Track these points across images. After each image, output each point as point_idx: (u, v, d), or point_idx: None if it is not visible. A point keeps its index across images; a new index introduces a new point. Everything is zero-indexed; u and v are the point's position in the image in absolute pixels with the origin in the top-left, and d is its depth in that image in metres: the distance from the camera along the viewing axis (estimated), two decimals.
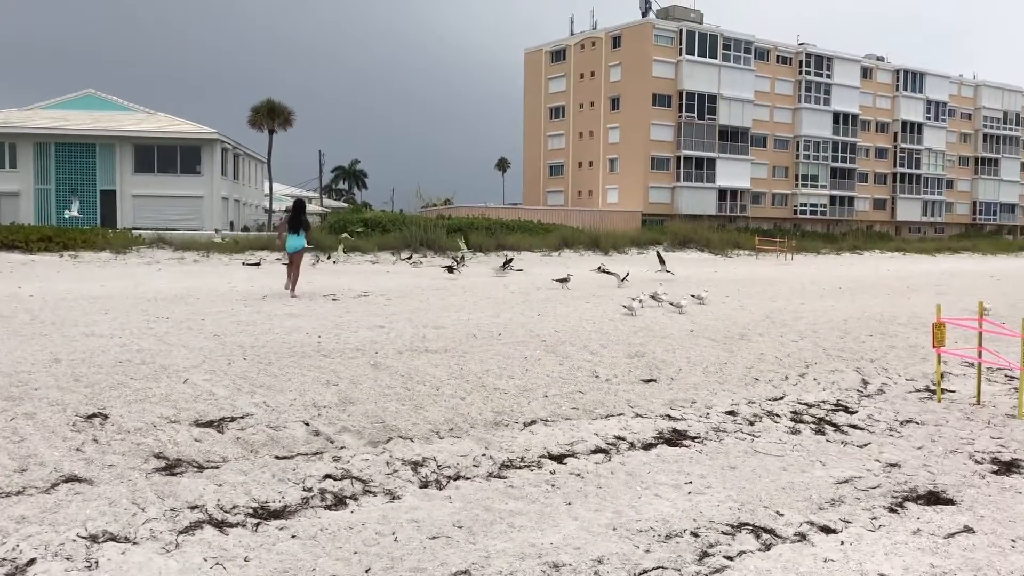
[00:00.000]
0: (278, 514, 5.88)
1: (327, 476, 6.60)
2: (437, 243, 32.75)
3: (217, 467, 6.71)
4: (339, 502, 6.15)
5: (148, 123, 49.60)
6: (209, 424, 7.56)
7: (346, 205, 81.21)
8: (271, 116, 53.34)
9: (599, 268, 25.98)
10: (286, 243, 16.95)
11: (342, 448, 7.30)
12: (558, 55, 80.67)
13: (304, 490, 6.31)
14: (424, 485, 6.59)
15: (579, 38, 78.43)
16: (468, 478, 6.77)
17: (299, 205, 17.72)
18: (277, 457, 7.01)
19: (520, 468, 7.06)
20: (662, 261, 27.15)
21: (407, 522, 5.78)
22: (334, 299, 15.78)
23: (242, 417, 7.78)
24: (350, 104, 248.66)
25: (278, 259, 28.93)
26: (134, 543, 5.23)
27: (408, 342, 10.91)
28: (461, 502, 6.22)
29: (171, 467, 6.64)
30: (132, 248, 29.44)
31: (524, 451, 7.45)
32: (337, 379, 9.00)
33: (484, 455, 7.29)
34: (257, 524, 5.66)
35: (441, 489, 6.52)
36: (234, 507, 5.92)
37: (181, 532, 5.43)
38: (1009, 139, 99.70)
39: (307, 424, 7.73)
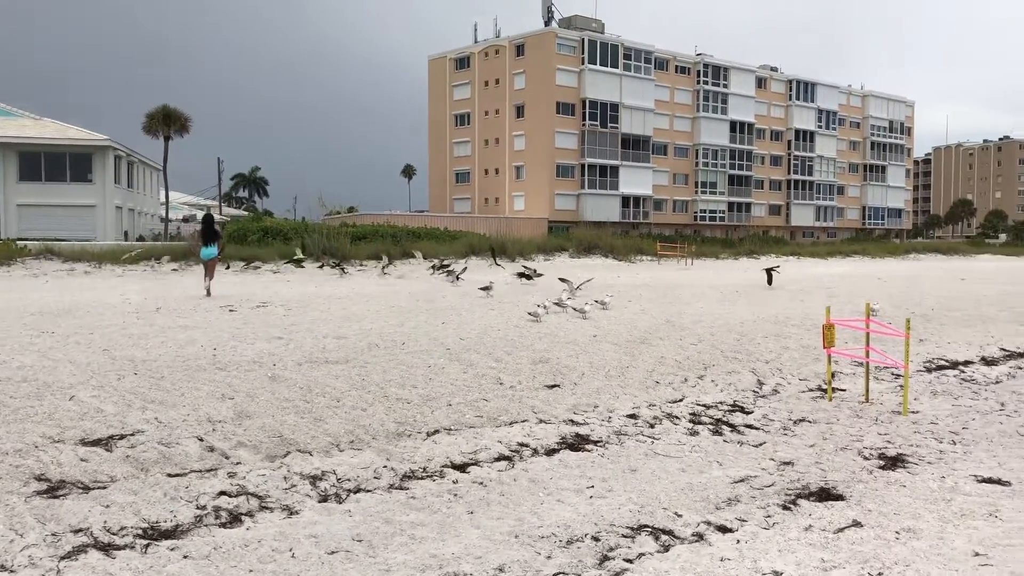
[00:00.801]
0: (169, 534, 5.65)
1: (222, 493, 6.39)
2: (340, 251, 32.26)
3: (104, 487, 6.42)
4: (234, 519, 5.96)
5: (34, 129, 47.41)
6: (96, 443, 7.24)
7: (246, 213, 79.38)
8: (167, 122, 51.70)
9: (520, 274, 26.01)
10: (200, 253, 19.07)
11: (238, 464, 7.09)
12: (462, 62, 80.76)
13: (197, 508, 6.10)
14: (323, 499, 6.45)
15: (483, 46, 78.70)
16: (369, 490, 6.66)
17: (208, 218, 20.18)
18: (169, 475, 6.75)
19: (422, 478, 6.99)
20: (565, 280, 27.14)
21: (305, 538, 5.64)
22: (231, 310, 15.36)
23: (132, 434, 7.47)
24: (250, 110, 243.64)
25: (175, 268, 28.04)
26: (11, 572, 4.95)
27: (308, 353, 10.69)
28: (361, 515, 6.11)
29: (54, 489, 6.32)
30: (16, 260, 28.07)
31: (427, 461, 7.38)
32: (233, 393, 8.75)
33: (386, 466, 7.18)
34: (147, 545, 5.43)
35: (341, 503, 6.39)
36: (122, 529, 5.67)
37: (63, 558, 5.16)
38: (895, 147, 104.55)
39: (201, 440, 7.48)
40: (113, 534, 5.58)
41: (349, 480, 6.85)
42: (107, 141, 46.94)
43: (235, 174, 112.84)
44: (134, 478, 6.64)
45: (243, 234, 36.57)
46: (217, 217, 38.50)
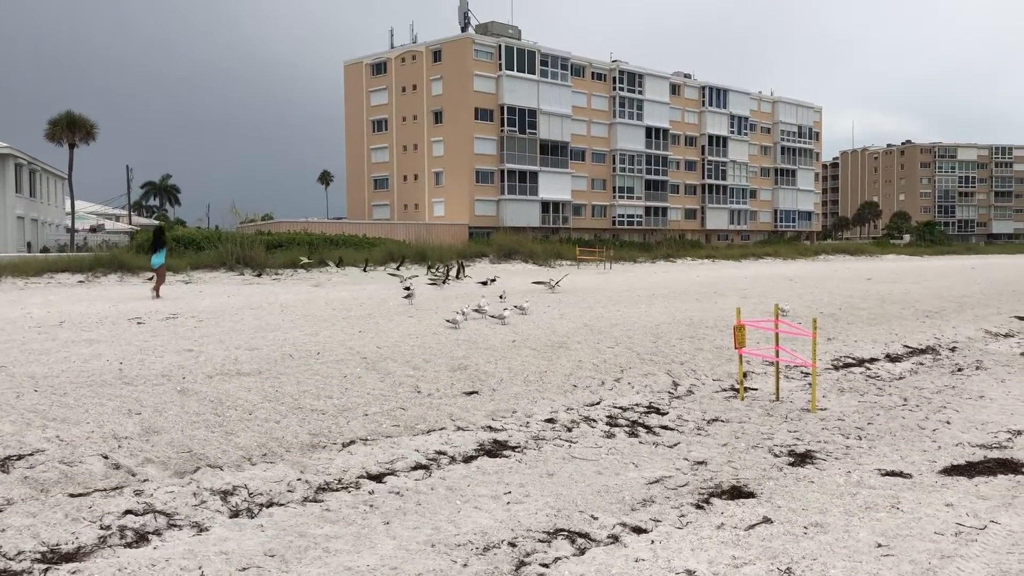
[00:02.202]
0: (71, 557, 5.43)
1: (127, 512, 6.18)
2: (255, 260, 31.61)
3: (1, 510, 6.13)
4: (141, 539, 5.77)
5: None
6: None
7: (157, 222, 77.23)
8: (71, 129, 50.00)
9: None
10: (151, 260, 21.91)
11: (145, 481, 6.86)
12: (379, 68, 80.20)
13: (101, 528, 5.88)
14: (234, 514, 6.29)
15: (400, 51, 78.31)
16: (282, 504, 6.53)
17: (158, 230, 23.59)
18: (71, 495, 6.49)
19: (337, 490, 6.88)
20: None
21: (215, 555, 5.49)
22: (139, 322, 14.89)
23: (31, 454, 7.16)
24: (161, 117, 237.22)
25: (81, 280, 27.08)
26: None
27: (219, 365, 10.42)
28: (274, 530, 5.98)
29: None
30: None
31: (342, 472, 7.27)
32: (140, 408, 8.47)
33: (299, 479, 7.05)
34: (46, 570, 5.21)
35: (253, 517, 6.24)
36: (19, 553, 5.42)
37: None
38: (804, 151, 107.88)
39: (106, 457, 7.22)
40: (10, 559, 5.33)
41: (261, 494, 6.70)
42: (7, 148, 45.11)
43: (145, 182, 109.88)
44: (33, 500, 6.36)
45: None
46: (125, 227, 37.45)
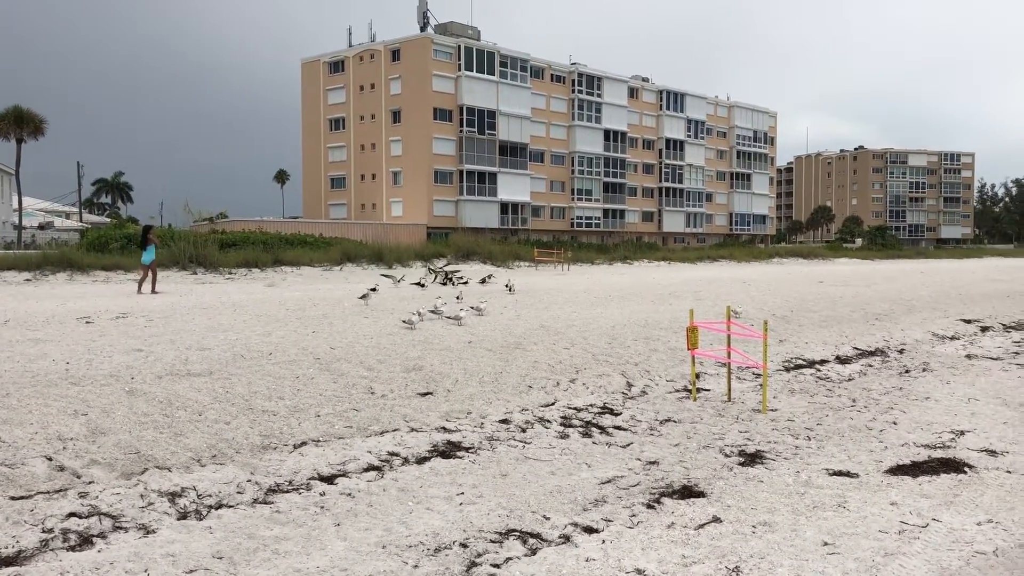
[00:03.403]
0: (11, 561, 5.31)
1: (71, 514, 6.06)
2: (209, 259, 31.18)
3: None
4: (85, 542, 5.66)
5: None
6: None
7: (109, 220, 75.79)
8: (19, 124, 48.91)
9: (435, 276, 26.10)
10: (142, 257, 23.12)
11: (90, 483, 6.73)
12: (336, 66, 79.62)
13: (44, 531, 5.76)
14: (182, 516, 6.21)
15: (358, 50, 77.82)
16: (231, 506, 6.45)
17: (147, 228, 25.17)
18: (13, 498, 6.35)
19: (288, 492, 6.82)
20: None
21: (161, 557, 5.41)
22: (88, 321, 14.60)
23: None
24: (112, 113, 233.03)
25: (28, 279, 26.50)
26: None
27: (169, 366, 10.26)
28: (223, 532, 5.91)
29: None
30: None
31: (293, 474, 7.20)
32: (87, 408, 8.30)
33: (249, 481, 6.97)
34: None
35: (201, 519, 6.16)
36: None
37: None
38: (759, 156, 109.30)
39: (50, 459, 7.06)
40: None
41: (210, 496, 6.62)
42: None
43: (97, 179, 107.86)
44: None
45: (104, 242, 34.88)
46: (75, 225, 36.85)
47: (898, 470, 7.58)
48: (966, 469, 7.61)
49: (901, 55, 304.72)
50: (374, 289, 20.84)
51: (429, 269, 31.77)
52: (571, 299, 21.66)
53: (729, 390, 10.85)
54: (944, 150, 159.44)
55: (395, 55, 74.95)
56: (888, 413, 10.11)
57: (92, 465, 7.06)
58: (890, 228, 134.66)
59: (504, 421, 9.26)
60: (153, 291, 22.43)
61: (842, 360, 14.36)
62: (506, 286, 24.77)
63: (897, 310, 21.57)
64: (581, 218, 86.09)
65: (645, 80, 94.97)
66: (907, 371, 13.37)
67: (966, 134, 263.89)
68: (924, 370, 13.46)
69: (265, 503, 6.55)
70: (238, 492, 6.73)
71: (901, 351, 15.60)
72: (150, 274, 22.92)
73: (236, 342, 12.19)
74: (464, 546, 5.69)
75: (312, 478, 7.16)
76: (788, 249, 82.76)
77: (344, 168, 79.10)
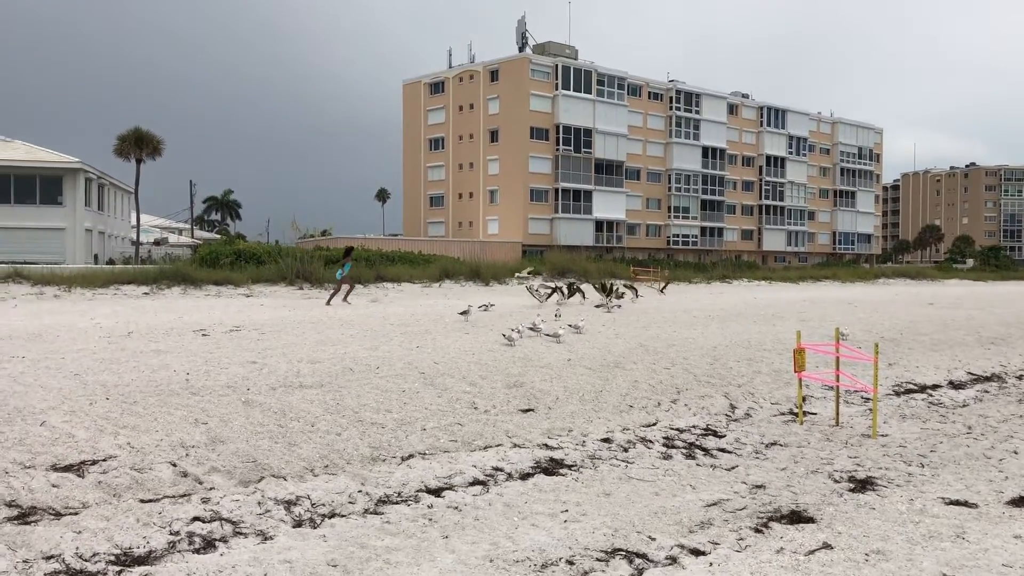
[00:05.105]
0: (142, 560, 5.62)
1: (195, 518, 6.37)
2: (314, 275, 32.13)
3: (76, 513, 6.37)
4: (208, 545, 5.94)
5: (3, 151, 46.95)
6: (68, 468, 7.17)
7: (218, 236, 78.91)
8: (139, 145, 51.36)
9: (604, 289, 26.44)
10: (336, 273, 25.96)
11: (211, 489, 7.06)
12: (436, 87, 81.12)
13: (171, 534, 6.07)
14: (298, 524, 6.44)
15: (457, 71, 79.14)
16: (343, 515, 6.66)
17: (348, 249, 28.13)
18: (142, 500, 6.71)
19: (397, 503, 6.99)
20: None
21: (279, 563, 5.63)
22: (204, 334, 15.26)
23: (104, 460, 7.42)
24: (224, 133, 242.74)
25: (146, 292, 27.81)
26: None
27: (282, 377, 10.65)
28: (336, 540, 6.10)
29: (25, 515, 6.26)
30: None
31: (401, 486, 7.38)
32: (206, 417, 8.70)
33: (360, 491, 7.18)
34: (120, 572, 5.41)
35: (315, 528, 6.38)
36: (94, 555, 5.63)
37: None
38: (864, 173, 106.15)
39: (174, 465, 7.44)
40: (85, 560, 5.54)
41: (323, 505, 6.84)
42: (78, 163, 46.61)
43: (207, 197, 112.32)
44: (106, 504, 6.59)
45: (215, 257, 36.33)
46: (187, 240, 38.52)
47: (1021, 501, 7.27)
48: None
49: (1008, 69, 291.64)
50: (484, 308, 21.39)
51: (599, 286, 30.75)
52: (670, 318, 21.47)
53: (837, 414, 10.59)
54: None
55: (493, 75, 75.90)
56: (1008, 441, 9.69)
57: (213, 472, 7.40)
58: (1005, 248, 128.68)
59: (606, 440, 9.27)
60: (345, 300, 24.84)
61: (956, 385, 13.83)
62: (660, 290, 24.69)
63: (1014, 334, 20.63)
64: (678, 236, 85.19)
65: (745, 96, 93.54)
66: None
67: None
68: None
69: (376, 513, 6.73)
70: (350, 502, 6.94)
71: (1020, 377, 14.92)
72: (343, 288, 25.47)
73: (345, 356, 12.55)
74: (570, 563, 5.73)
75: (420, 490, 7.32)
76: (895, 269, 79.96)
77: (442, 187, 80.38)
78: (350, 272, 26.14)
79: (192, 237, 75.33)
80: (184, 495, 6.88)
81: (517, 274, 32.56)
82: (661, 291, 29.79)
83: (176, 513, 6.44)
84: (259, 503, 6.77)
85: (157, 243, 63.45)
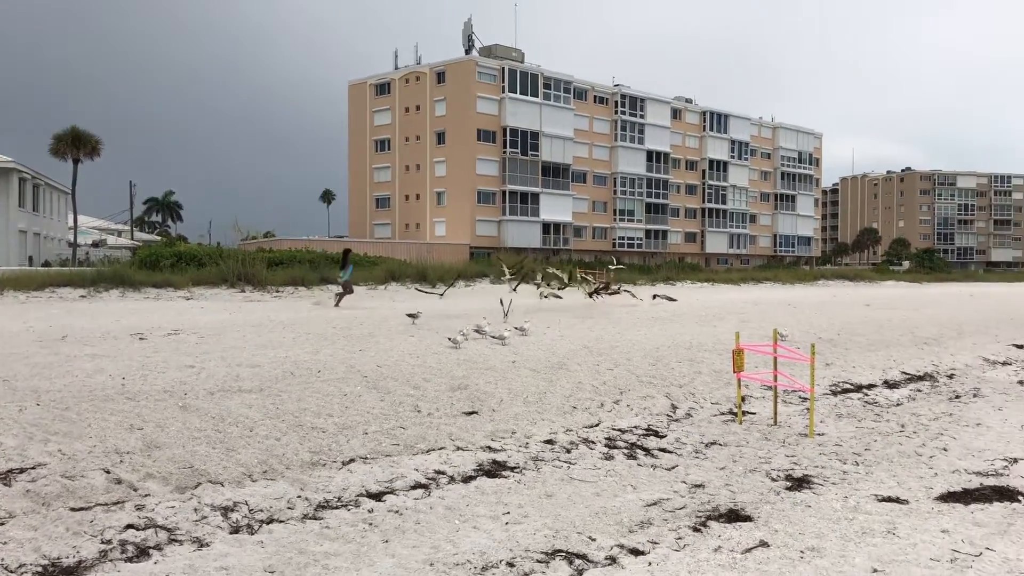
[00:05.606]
0: (71, 571, 5.48)
1: (129, 526, 6.23)
2: (257, 278, 31.69)
3: (2, 523, 6.18)
4: (141, 553, 5.81)
5: None
6: None
7: (159, 238, 77.38)
8: (76, 145, 50.26)
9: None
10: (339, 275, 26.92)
11: (146, 496, 6.91)
12: (383, 88, 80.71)
13: (102, 543, 5.92)
14: (235, 530, 6.34)
15: (404, 72, 78.84)
16: (282, 521, 6.57)
17: (346, 252, 28.24)
18: (73, 509, 6.54)
19: (337, 508, 6.92)
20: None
21: (215, 570, 5.54)
22: (141, 338, 14.95)
23: (33, 468, 7.21)
24: (166, 134, 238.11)
25: (83, 295, 27.15)
26: None
27: (221, 382, 10.48)
28: (274, 546, 6.02)
29: None
30: None
31: (341, 490, 7.32)
32: (142, 423, 8.52)
33: (299, 496, 7.09)
34: None
35: (253, 534, 6.28)
36: (21, 566, 5.47)
37: None
38: (804, 177, 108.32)
39: (108, 472, 7.27)
40: (11, 572, 5.38)
41: (262, 510, 6.75)
42: (11, 163, 45.35)
43: (148, 198, 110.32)
44: (35, 513, 6.41)
45: (155, 259, 35.64)
46: (127, 242, 37.72)
47: (949, 497, 7.48)
48: (1020, 498, 7.48)
49: (946, 77, 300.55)
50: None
51: (572, 278, 32.71)
52: (613, 319, 21.64)
53: (775, 414, 10.77)
54: (994, 172, 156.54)
55: (440, 77, 75.79)
56: (938, 439, 9.96)
57: (148, 478, 7.25)
58: (938, 251, 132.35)
59: (549, 442, 9.30)
60: (336, 305, 25.27)
61: (890, 385, 14.17)
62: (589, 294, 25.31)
63: (946, 334, 21.23)
64: (623, 238, 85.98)
65: (688, 101, 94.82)
66: (957, 396, 13.16)
67: (1016, 159, 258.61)
68: (975, 396, 13.23)
69: (315, 519, 6.66)
70: (289, 507, 6.86)
71: (951, 376, 15.35)
72: (351, 290, 26.55)
73: (286, 359, 12.41)
74: (511, 565, 5.74)
75: (360, 495, 7.26)
76: (833, 271, 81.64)
77: (389, 188, 79.98)
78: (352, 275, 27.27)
79: (132, 239, 73.75)
80: (117, 502, 6.72)
81: (507, 273, 33.45)
82: (589, 296, 30.31)
83: (108, 521, 6.29)
84: (195, 509, 6.65)
85: (95, 245, 62.01)
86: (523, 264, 36.94)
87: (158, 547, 5.93)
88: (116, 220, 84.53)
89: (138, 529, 6.19)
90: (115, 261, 42.93)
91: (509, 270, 33.87)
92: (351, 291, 26.60)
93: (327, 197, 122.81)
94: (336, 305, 25.18)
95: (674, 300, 31.16)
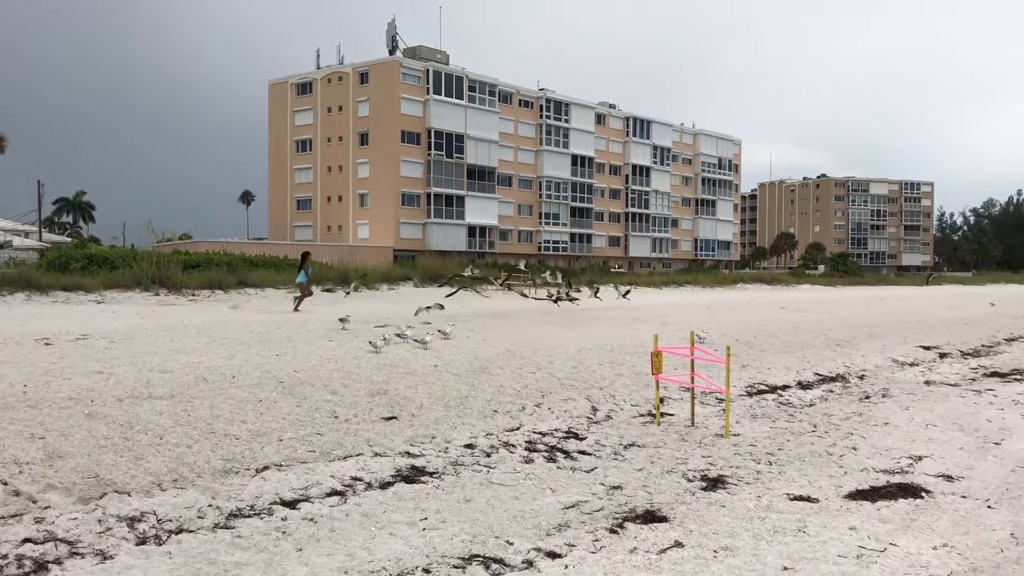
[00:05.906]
0: None
1: (26, 540, 5.96)
2: (172, 281, 30.81)
3: None
4: (40, 568, 5.57)
5: None
6: None
7: (69, 240, 74.70)
8: None
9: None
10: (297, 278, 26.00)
11: (47, 508, 6.62)
12: (304, 88, 79.58)
13: None
14: (142, 541, 6.12)
15: (326, 72, 77.88)
16: (192, 531, 6.38)
17: (304, 255, 26.90)
18: None
19: (249, 516, 6.75)
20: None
21: None
22: (47, 343, 14.38)
23: None
24: (76, 132, 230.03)
25: None
26: None
27: (130, 388, 10.13)
28: (183, 557, 5.84)
29: None
30: None
31: (254, 498, 7.14)
32: (44, 432, 8.17)
33: (210, 505, 6.90)
34: None
35: (161, 544, 6.08)
36: None
37: None
38: (724, 183, 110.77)
39: (5, 484, 6.94)
40: None
41: (171, 520, 6.54)
42: None
43: (58, 198, 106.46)
44: None
45: (65, 262, 34.35)
46: (35, 244, 36.41)
47: (857, 495, 7.69)
48: (923, 494, 7.73)
49: (860, 85, 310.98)
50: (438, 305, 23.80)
51: (549, 281, 32.98)
52: (537, 322, 21.71)
53: (693, 415, 10.93)
54: (904, 179, 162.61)
55: (363, 78, 75.11)
56: (848, 439, 10.24)
57: (49, 490, 6.95)
58: (852, 255, 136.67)
59: (469, 446, 9.26)
60: (296, 309, 24.59)
61: (804, 386, 14.53)
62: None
63: (858, 336, 21.89)
64: (549, 242, 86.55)
65: (612, 107, 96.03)
66: (867, 397, 13.57)
67: (925, 164, 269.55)
68: (884, 396, 13.67)
69: (226, 528, 6.48)
70: (199, 517, 6.66)
71: (862, 377, 15.83)
72: (310, 292, 26.14)
73: (199, 365, 12.07)
74: (427, 571, 5.67)
75: (274, 503, 7.10)
76: (752, 275, 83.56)
77: (310, 190, 78.87)
78: (311, 277, 26.65)
79: (40, 240, 70.99)
80: (15, 515, 6.43)
81: (471, 271, 33.58)
82: (555, 302, 30.45)
83: (4, 535, 6.00)
84: (99, 520, 6.41)
85: (0, 246, 59.51)
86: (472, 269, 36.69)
87: (58, 561, 5.69)
88: (23, 221, 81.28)
89: (36, 543, 5.93)
90: (21, 263, 41.25)
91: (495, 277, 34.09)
92: (310, 293, 26.30)
93: (246, 198, 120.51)
94: (296, 309, 24.57)
95: (601, 300, 31.83)
